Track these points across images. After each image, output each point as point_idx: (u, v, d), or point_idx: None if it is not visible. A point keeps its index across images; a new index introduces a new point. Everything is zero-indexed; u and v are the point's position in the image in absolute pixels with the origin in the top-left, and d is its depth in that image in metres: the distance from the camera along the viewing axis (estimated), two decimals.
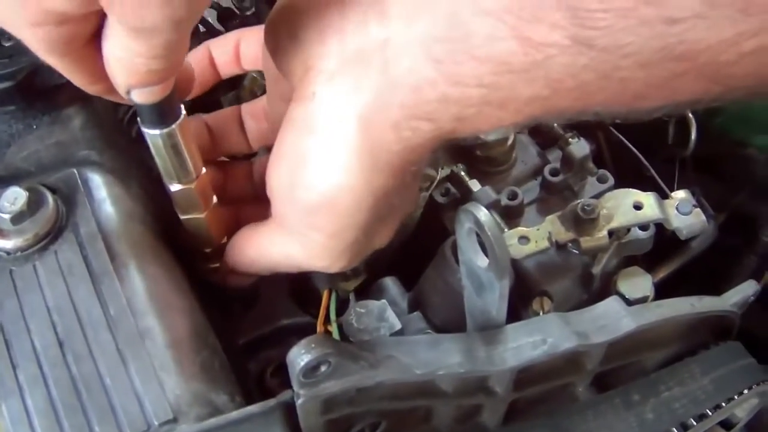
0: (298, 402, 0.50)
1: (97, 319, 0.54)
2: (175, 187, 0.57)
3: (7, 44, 0.63)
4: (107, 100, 0.53)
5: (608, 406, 0.62)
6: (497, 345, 0.55)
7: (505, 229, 0.66)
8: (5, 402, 0.51)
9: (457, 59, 0.43)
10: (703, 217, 0.65)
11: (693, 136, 0.81)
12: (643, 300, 0.64)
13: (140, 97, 0.49)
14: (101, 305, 0.55)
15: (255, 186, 0.67)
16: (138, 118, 0.52)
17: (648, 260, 0.71)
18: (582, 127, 0.77)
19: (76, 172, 0.61)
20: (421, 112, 0.45)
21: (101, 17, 0.45)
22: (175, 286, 0.59)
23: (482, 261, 0.53)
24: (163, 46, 0.45)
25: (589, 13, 0.39)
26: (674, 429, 0.62)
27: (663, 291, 0.66)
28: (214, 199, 0.60)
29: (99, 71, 0.48)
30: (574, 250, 0.66)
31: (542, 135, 0.78)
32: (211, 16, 0.84)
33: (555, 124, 0.76)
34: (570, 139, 0.74)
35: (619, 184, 0.73)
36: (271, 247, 0.57)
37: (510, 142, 0.74)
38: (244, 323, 0.68)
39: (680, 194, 0.66)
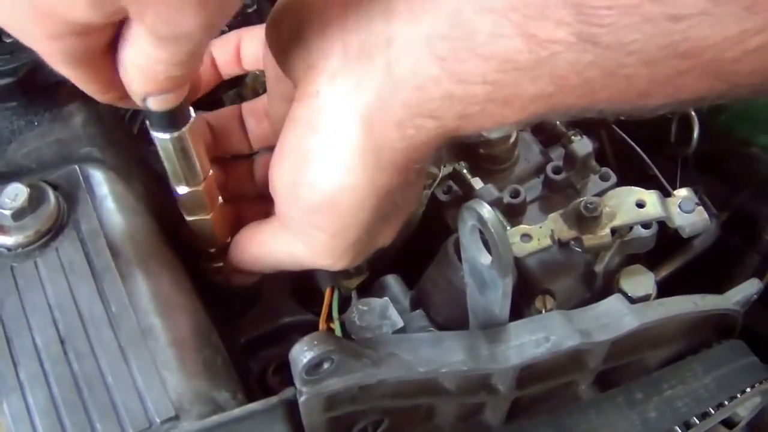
0: (301, 399, 0.49)
1: (99, 317, 0.54)
2: (182, 190, 0.57)
3: (8, 40, 0.63)
4: None
5: (611, 405, 0.62)
6: (500, 343, 0.55)
7: (508, 227, 0.66)
8: (6, 399, 0.51)
9: (461, 57, 0.43)
10: (706, 216, 0.65)
11: (695, 134, 0.80)
12: (645, 298, 0.64)
13: (156, 104, 0.49)
14: (103, 303, 0.55)
15: (256, 184, 0.66)
16: (147, 122, 0.52)
17: (650, 259, 0.71)
18: (585, 125, 0.76)
19: (77, 168, 0.61)
20: (425, 110, 0.45)
21: (119, 25, 0.45)
22: (177, 284, 0.59)
23: (485, 258, 0.53)
24: (189, 52, 0.45)
25: (593, 10, 0.39)
26: (677, 428, 0.62)
27: (665, 289, 0.66)
28: (220, 199, 0.60)
29: (113, 79, 0.48)
30: (577, 248, 0.66)
31: (545, 133, 0.77)
32: None
33: (558, 122, 0.76)
34: (573, 137, 0.73)
35: (622, 182, 0.73)
36: (275, 245, 0.57)
37: (512, 139, 0.74)
38: (245, 321, 0.67)
39: (683, 192, 0.66)
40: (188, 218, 0.60)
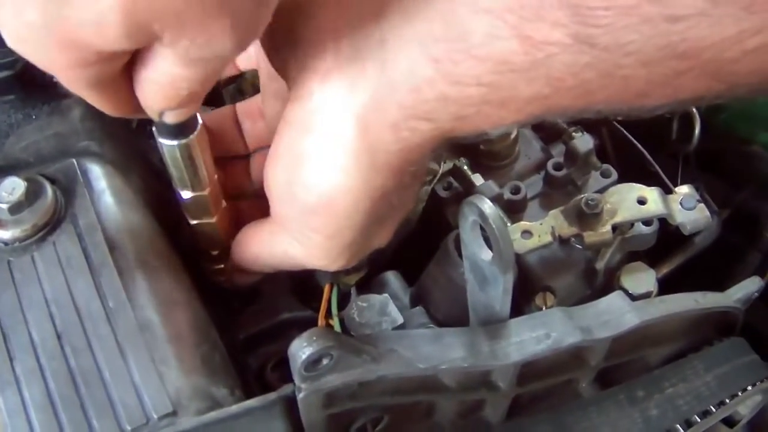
0: (300, 396, 0.49)
1: (96, 312, 0.53)
2: (187, 195, 0.56)
3: None
4: None
5: (612, 402, 0.61)
6: (500, 339, 0.54)
7: (508, 224, 0.65)
8: (2, 394, 0.50)
9: (456, 58, 0.42)
10: (707, 213, 0.65)
11: (697, 131, 0.80)
12: (646, 295, 0.64)
13: (173, 117, 0.48)
14: (100, 298, 0.54)
15: (253, 182, 0.66)
16: (154, 130, 0.51)
17: (651, 256, 0.71)
18: (586, 122, 0.76)
19: (75, 162, 0.60)
20: (420, 111, 0.45)
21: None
22: (175, 279, 0.58)
23: (486, 254, 0.52)
24: (216, 70, 0.45)
25: (590, 11, 0.39)
26: (678, 426, 0.61)
27: (666, 287, 0.66)
28: (223, 203, 0.60)
29: (128, 97, 0.47)
30: (578, 245, 0.66)
31: (546, 129, 0.77)
32: None
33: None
34: (573, 134, 0.73)
35: (623, 179, 0.72)
36: (272, 245, 0.57)
37: (513, 136, 0.74)
38: (244, 317, 0.67)
39: (684, 189, 0.66)
40: (192, 222, 0.59)
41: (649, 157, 0.79)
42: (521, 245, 0.63)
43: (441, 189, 0.73)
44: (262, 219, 0.58)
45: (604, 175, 0.73)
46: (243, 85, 0.79)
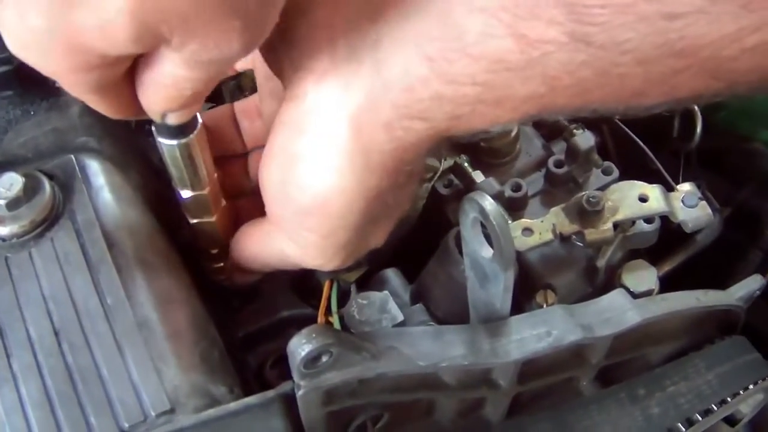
0: (299, 393, 0.49)
1: (94, 309, 0.53)
2: (187, 194, 0.56)
3: None
4: None
5: (613, 401, 0.61)
6: (501, 337, 0.54)
7: (509, 221, 0.65)
8: None
9: (451, 57, 0.42)
10: (709, 210, 0.64)
11: (698, 129, 0.80)
12: (647, 293, 0.64)
13: (176, 119, 0.48)
14: (98, 294, 0.54)
15: (252, 180, 0.66)
16: (153, 129, 0.51)
17: (653, 254, 0.71)
18: (587, 120, 0.76)
19: (73, 158, 0.60)
20: (414, 111, 0.44)
21: None
22: (174, 276, 0.58)
23: (486, 252, 0.52)
24: (221, 71, 0.44)
25: (586, 9, 0.38)
26: (680, 424, 0.61)
27: (667, 285, 0.66)
28: (223, 201, 0.60)
29: (129, 99, 0.47)
30: (579, 243, 0.65)
31: (547, 127, 0.77)
32: None
33: None
34: (575, 131, 0.73)
35: (624, 177, 0.72)
36: (268, 244, 0.57)
37: (514, 133, 0.73)
38: (243, 315, 0.67)
39: (686, 187, 0.65)
40: (192, 221, 0.59)
41: (650, 154, 0.79)
42: (522, 243, 0.63)
43: (441, 186, 0.73)
44: (259, 218, 0.58)
45: (606, 172, 0.73)
46: (243, 82, 0.78)
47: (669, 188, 0.65)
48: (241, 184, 0.65)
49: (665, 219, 0.64)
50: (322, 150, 0.47)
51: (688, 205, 0.64)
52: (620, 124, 0.81)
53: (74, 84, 0.45)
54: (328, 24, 0.47)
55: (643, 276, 0.65)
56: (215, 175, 0.57)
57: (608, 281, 0.66)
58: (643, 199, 0.63)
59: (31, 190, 0.57)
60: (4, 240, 0.56)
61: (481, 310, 0.56)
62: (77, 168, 0.60)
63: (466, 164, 0.72)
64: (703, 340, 0.66)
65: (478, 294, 0.56)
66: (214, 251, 0.63)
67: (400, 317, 0.62)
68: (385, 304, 0.63)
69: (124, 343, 0.52)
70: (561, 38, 0.39)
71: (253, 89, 0.68)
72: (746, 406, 0.67)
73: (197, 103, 0.48)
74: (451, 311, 0.64)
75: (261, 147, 0.61)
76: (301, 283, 0.68)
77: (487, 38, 0.41)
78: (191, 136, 0.51)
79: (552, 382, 0.59)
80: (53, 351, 0.52)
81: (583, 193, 0.63)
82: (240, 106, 0.65)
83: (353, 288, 0.65)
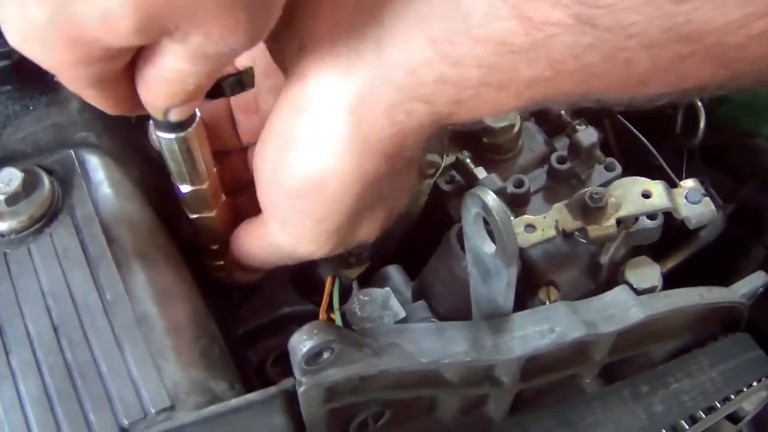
0: (300, 390, 0.48)
1: (93, 305, 0.53)
2: (186, 189, 0.56)
3: None
4: None
5: (616, 398, 0.61)
6: (504, 334, 0.54)
7: (512, 218, 0.65)
8: None
9: (455, 39, 0.42)
10: (713, 207, 0.64)
11: (702, 125, 0.79)
12: (651, 290, 0.63)
13: (177, 115, 0.48)
14: (97, 290, 0.54)
15: (251, 175, 0.65)
16: (152, 123, 0.51)
17: (656, 250, 0.70)
18: (589, 115, 0.75)
19: (73, 153, 0.60)
20: (417, 94, 0.44)
21: None
22: (174, 272, 0.58)
23: (489, 247, 0.52)
24: (225, 65, 0.44)
25: None
26: (683, 421, 0.61)
27: (670, 282, 0.65)
28: (223, 196, 0.59)
29: (129, 95, 0.47)
30: (582, 239, 0.65)
31: (549, 122, 0.76)
32: None
33: (562, 112, 0.75)
34: (577, 127, 0.72)
35: (627, 173, 0.72)
36: (263, 238, 0.56)
37: (516, 129, 0.73)
38: (244, 311, 0.66)
39: (689, 183, 0.65)
40: (192, 216, 0.59)
41: (653, 150, 0.78)
42: (525, 239, 0.62)
43: (443, 182, 0.73)
44: (255, 217, 0.58)
45: (608, 168, 0.72)
46: (244, 78, 0.78)
47: (672, 184, 0.64)
48: (239, 179, 0.65)
49: (668, 215, 0.64)
50: (320, 132, 0.47)
51: (691, 201, 0.63)
52: (623, 120, 0.81)
53: (74, 78, 0.45)
54: (331, 6, 0.46)
55: (647, 272, 0.64)
56: (214, 169, 0.57)
57: (611, 278, 0.66)
58: (646, 196, 0.63)
59: (30, 186, 0.56)
60: (2, 236, 0.56)
61: (484, 306, 0.56)
62: (77, 163, 0.59)
63: (468, 160, 0.72)
64: (707, 337, 0.66)
65: (481, 290, 0.55)
66: (214, 247, 0.62)
67: (402, 314, 0.62)
68: (386, 301, 0.62)
69: (124, 339, 0.52)
70: (566, 20, 0.39)
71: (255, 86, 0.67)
72: (749, 404, 0.67)
73: (199, 98, 0.47)
74: (453, 308, 0.64)
75: (250, 140, 0.61)
76: (303, 280, 0.68)
77: (491, 20, 0.40)
78: (189, 129, 0.51)
79: (555, 379, 0.59)
80: (52, 347, 0.51)
81: (586, 189, 0.62)
82: (237, 100, 0.65)
83: (355, 284, 0.65)
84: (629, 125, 0.80)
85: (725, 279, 0.67)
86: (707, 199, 0.64)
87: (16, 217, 0.56)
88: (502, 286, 0.52)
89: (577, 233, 0.64)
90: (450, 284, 0.64)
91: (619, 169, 0.72)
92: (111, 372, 0.50)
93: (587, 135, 0.72)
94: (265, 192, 0.52)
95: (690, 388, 0.62)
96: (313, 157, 0.48)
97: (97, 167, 0.60)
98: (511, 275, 0.51)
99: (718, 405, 0.62)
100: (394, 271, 0.69)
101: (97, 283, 0.54)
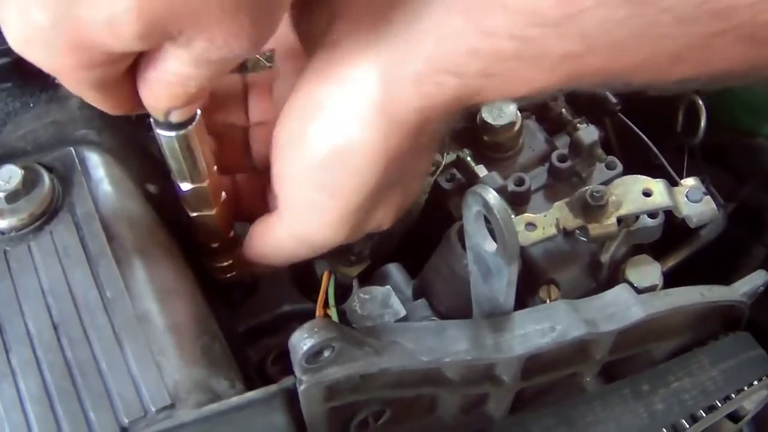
0: (301, 388, 0.48)
1: (93, 302, 0.53)
2: (186, 187, 0.56)
3: None
4: None
5: (617, 396, 0.61)
6: (505, 332, 0.53)
7: (512, 216, 0.64)
8: None
9: (488, 9, 0.41)
10: (714, 205, 0.64)
11: (703, 123, 0.79)
12: (651, 289, 0.63)
13: (179, 116, 0.47)
14: (98, 288, 0.53)
15: (252, 156, 0.64)
16: (152, 121, 0.51)
17: (656, 249, 0.70)
18: (590, 113, 0.75)
19: (73, 151, 0.60)
20: (448, 65, 0.43)
21: None
22: (174, 269, 0.57)
23: (490, 245, 0.51)
24: (228, 68, 0.44)
25: None
26: (683, 420, 0.61)
27: (671, 280, 0.65)
28: (223, 195, 0.59)
29: (130, 96, 0.46)
30: (582, 238, 0.65)
31: (550, 121, 0.76)
32: None
33: (563, 110, 0.75)
34: (578, 125, 0.72)
35: (627, 171, 0.71)
36: (278, 231, 0.55)
37: (517, 127, 0.73)
38: (245, 309, 0.66)
39: (690, 182, 0.65)
40: (192, 214, 0.58)
41: (654, 149, 0.78)
42: (525, 237, 0.62)
43: (444, 180, 0.72)
44: (266, 215, 0.57)
45: (609, 167, 0.72)
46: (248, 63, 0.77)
47: (673, 183, 0.64)
48: (238, 158, 0.63)
49: (669, 214, 0.64)
50: (347, 101, 0.46)
51: (692, 200, 0.63)
52: (624, 118, 0.81)
53: (76, 81, 0.44)
54: None
55: (647, 271, 0.64)
56: (215, 167, 0.56)
57: (612, 276, 0.66)
58: (647, 194, 0.63)
59: (30, 183, 0.56)
60: (2, 233, 0.55)
61: (485, 305, 0.56)
62: (77, 160, 0.59)
63: (468, 158, 0.72)
64: (707, 336, 0.66)
65: (482, 289, 0.55)
66: (215, 245, 0.62)
67: (403, 312, 0.62)
68: (387, 299, 0.62)
69: (124, 337, 0.51)
70: None
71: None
72: (750, 403, 0.67)
73: (201, 100, 0.47)
74: (454, 306, 0.64)
75: (264, 122, 0.60)
76: (303, 278, 0.68)
77: None
78: (189, 127, 0.51)
79: (555, 378, 0.59)
80: (52, 345, 0.51)
81: (587, 187, 0.62)
82: (252, 78, 0.62)
83: (355, 282, 0.65)
84: (630, 123, 0.80)
85: (726, 278, 0.67)
86: (708, 197, 0.64)
87: (16, 215, 0.55)
88: (503, 285, 0.52)
89: (577, 232, 0.64)
90: (451, 282, 0.64)
91: (619, 167, 0.72)
92: (111, 370, 0.50)
93: (588, 133, 0.72)
94: (285, 166, 0.51)
95: (691, 386, 0.62)
96: (338, 127, 0.46)
97: (98, 164, 0.59)
98: (511, 273, 0.51)
99: (719, 404, 0.62)
100: (394, 270, 0.68)
101: (97, 280, 0.54)
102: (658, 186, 0.63)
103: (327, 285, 0.60)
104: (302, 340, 0.46)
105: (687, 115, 0.81)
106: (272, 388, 0.50)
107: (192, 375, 0.51)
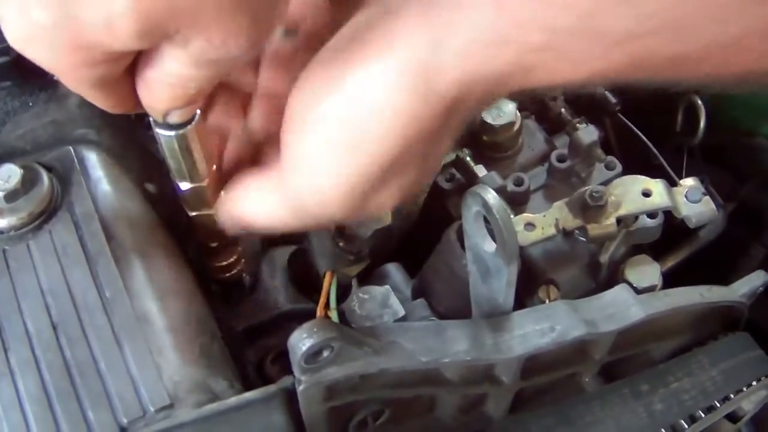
0: (300, 388, 0.48)
1: (92, 302, 0.53)
2: (185, 186, 0.56)
3: None
4: None
5: (616, 396, 0.61)
6: (504, 332, 0.53)
7: (512, 216, 0.64)
8: None
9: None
10: (713, 206, 0.64)
11: (702, 123, 0.79)
12: (651, 289, 0.63)
13: (178, 117, 0.47)
14: (97, 287, 0.53)
15: (247, 126, 0.57)
16: (151, 120, 0.51)
17: (656, 249, 0.70)
18: (590, 113, 0.75)
19: (72, 150, 0.60)
20: (505, 34, 0.41)
21: None
22: (173, 269, 0.57)
23: (489, 246, 0.51)
24: (227, 69, 0.43)
25: None
26: (683, 421, 0.61)
27: (670, 281, 0.65)
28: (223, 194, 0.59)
29: (129, 95, 0.46)
30: (581, 238, 0.65)
31: (549, 121, 0.76)
32: None
33: (563, 110, 0.75)
34: (578, 125, 0.72)
35: (627, 171, 0.71)
36: (272, 191, 0.51)
37: (516, 127, 0.73)
38: (243, 309, 0.66)
39: (689, 182, 0.65)
40: (191, 213, 0.58)
41: (653, 149, 0.78)
42: (524, 238, 0.62)
43: (443, 180, 0.72)
44: (259, 175, 0.53)
45: (609, 167, 0.72)
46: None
47: (672, 183, 0.64)
48: (232, 120, 0.57)
49: (668, 214, 0.64)
50: (391, 58, 0.43)
51: (691, 200, 0.63)
52: (623, 118, 0.81)
53: (75, 79, 0.44)
54: None
55: (647, 271, 0.64)
56: (214, 167, 0.56)
57: (611, 277, 0.66)
58: (646, 194, 0.63)
59: (29, 182, 0.56)
60: (2, 232, 0.55)
61: (484, 305, 0.56)
62: (76, 160, 0.59)
63: (468, 158, 0.72)
64: (707, 337, 0.66)
65: (481, 289, 0.55)
66: (214, 245, 0.62)
67: (402, 312, 0.62)
68: (386, 299, 0.62)
69: (123, 336, 0.51)
70: None
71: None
72: (749, 403, 0.67)
73: (199, 100, 0.47)
74: (453, 306, 0.64)
75: (266, 95, 0.57)
76: (302, 278, 0.68)
77: None
78: (189, 127, 0.51)
79: (555, 378, 0.59)
80: (51, 345, 0.51)
81: (586, 187, 0.62)
82: (271, 49, 0.55)
83: (354, 282, 0.65)
84: (630, 124, 0.80)
85: (725, 278, 0.67)
86: (707, 198, 0.64)
87: (15, 214, 0.55)
88: (502, 285, 0.52)
89: (577, 232, 0.64)
90: (450, 282, 0.64)
91: (619, 167, 0.72)
92: (110, 370, 0.50)
93: (587, 133, 0.72)
94: (304, 112, 0.46)
95: (690, 387, 0.62)
96: (375, 83, 0.43)
97: (96, 164, 0.59)
98: (511, 274, 0.51)
99: (718, 404, 0.62)
100: (393, 269, 0.68)
101: (96, 280, 0.54)
102: (657, 186, 0.63)
103: (329, 286, 0.60)
104: (301, 340, 0.46)
105: (686, 115, 0.81)
106: (271, 388, 0.50)
107: (191, 375, 0.51)
